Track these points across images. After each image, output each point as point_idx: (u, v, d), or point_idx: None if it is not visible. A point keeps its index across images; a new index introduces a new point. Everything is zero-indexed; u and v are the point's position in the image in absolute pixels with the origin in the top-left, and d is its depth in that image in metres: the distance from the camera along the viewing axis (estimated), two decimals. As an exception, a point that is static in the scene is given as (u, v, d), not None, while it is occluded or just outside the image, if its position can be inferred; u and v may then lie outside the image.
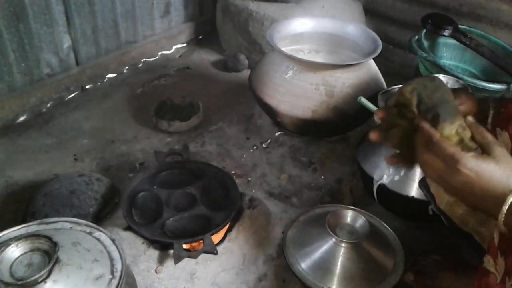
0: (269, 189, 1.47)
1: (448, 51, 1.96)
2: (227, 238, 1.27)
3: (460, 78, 1.61)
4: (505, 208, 0.70)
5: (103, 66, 2.02)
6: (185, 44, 2.39)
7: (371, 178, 1.32)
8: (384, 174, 1.29)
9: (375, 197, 1.33)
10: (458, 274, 1.11)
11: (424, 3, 2.14)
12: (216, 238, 1.24)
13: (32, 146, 1.64)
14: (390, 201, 1.33)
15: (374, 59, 1.55)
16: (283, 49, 1.52)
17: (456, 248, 1.28)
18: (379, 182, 1.30)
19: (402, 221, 1.36)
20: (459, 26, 1.84)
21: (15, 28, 1.64)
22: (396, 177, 1.28)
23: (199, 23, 2.42)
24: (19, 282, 0.79)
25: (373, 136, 0.86)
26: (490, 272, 0.79)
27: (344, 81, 1.46)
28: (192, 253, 1.16)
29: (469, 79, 1.63)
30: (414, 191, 1.26)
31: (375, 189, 1.31)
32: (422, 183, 1.08)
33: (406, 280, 1.16)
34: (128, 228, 1.24)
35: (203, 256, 1.18)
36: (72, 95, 1.93)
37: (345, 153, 1.62)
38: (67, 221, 1.00)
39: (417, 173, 1.26)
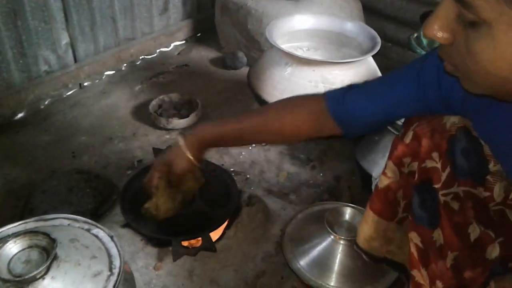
0: (267, 186, 1.47)
1: (447, 49, 1.96)
2: (225, 235, 1.27)
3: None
4: None
5: (101, 63, 2.02)
6: (183, 42, 2.38)
7: (370, 176, 1.32)
8: (383, 171, 1.29)
9: (374, 195, 1.33)
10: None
11: (422, 1, 2.14)
12: (214, 235, 1.24)
13: (30, 143, 1.63)
14: (389, 198, 1.33)
15: (372, 56, 1.55)
16: (282, 46, 1.52)
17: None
18: (377, 180, 1.29)
19: (400, 219, 1.36)
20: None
21: (13, 24, 1.64)
22: (395, 175, 1.28)
23: (197, 21, 2.41)
24: (17, 279, 0.78)
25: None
26: (422, 285, 0.82)
27: (343, 78, 1.46)
28: (191, 250, 1.16)
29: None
30: (412, 188, 1.25)
31: (373, 187, 1.31)
32: None
33: (402, 277, 1.16)
34: (126, 225, 1.24)
35: (201, 253, 1.19)
36: (70, 92, 1.93)
37: (344, 150, 1.62)
38: (65, 218, 0.99)
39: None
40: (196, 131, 1.11)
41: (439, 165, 0.77)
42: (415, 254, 0.82)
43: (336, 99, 0.93)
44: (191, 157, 1.09)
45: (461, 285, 0.74)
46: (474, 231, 0.72)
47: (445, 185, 0.76)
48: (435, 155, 0.79)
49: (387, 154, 1.29)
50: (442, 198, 0.76)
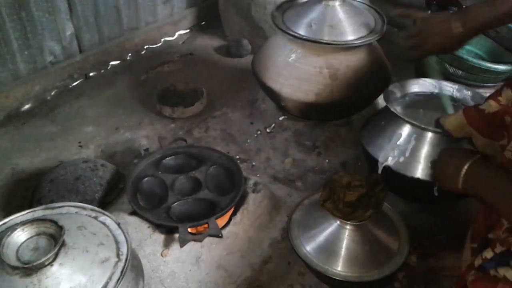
0: (273, 173, 1.47)
1: (453, 33, 1.94)
2: (232, 222, 1.27)
3: (466, 60, 1.59)
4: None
5: (106, 53, 2.02)
6: (188, 30, 2.38)
7: (376, 161, 1.31)
8: (389, 156, 1.29)
9: (380, 180, 1.33)
10: (462, 253, 1.11)
11: (428, -15, 2.11)
12: (221, 221, 1.24)
13: (37, 134, 1.65)
14: (395, 183, 1.32)
15: (378, 41, 1.54)
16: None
17: (460, 228, 1.27)
18: (384, 164, 1.29)
19: (407, 203, 1.36)
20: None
21: (18, 16, 1.64)
22: (401, 159, 1.27)
23: (201, 9, 2.40)
24: (26, 266, 0.79)
25: None
26: None
27: (348, 64, 1.45)
28: (197, 237, 1.17)
29: (475, 60, 1.61)
30: (419, 172, 1.25)
31: (380, 171, 1.31)
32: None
33: (410, 262, 1.16)
34: (133, 213, 1.24)
35: (208, 239, 1.19)
36: (76, 82, 1.93)
37: (349, 136, 1.61)
38: (72, 206, 1.00)
39: (422, 154, 1.25)
40: (471, 13, 1.05)
41: None
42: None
43: None
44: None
45: None
46: None
47: None
48: None
49: (393, 140, 1.30)
50: None
